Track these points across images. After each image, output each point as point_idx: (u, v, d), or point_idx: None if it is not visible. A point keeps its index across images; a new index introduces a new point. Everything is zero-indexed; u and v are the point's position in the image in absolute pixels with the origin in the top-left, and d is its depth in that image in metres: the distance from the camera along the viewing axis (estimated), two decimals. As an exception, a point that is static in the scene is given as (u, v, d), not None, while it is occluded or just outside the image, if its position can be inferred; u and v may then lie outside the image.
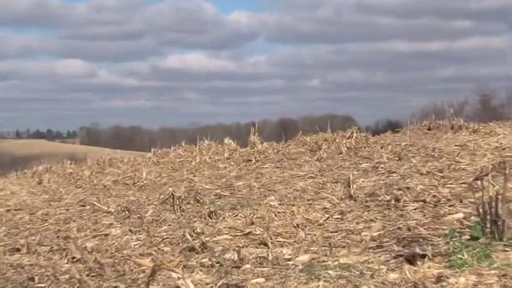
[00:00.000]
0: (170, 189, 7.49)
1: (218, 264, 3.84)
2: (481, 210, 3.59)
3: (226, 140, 13.50)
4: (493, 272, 2.97)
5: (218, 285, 3.31)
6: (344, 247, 4.13)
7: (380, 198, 5.97)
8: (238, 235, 4.85)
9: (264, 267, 3.70)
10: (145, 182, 9.94)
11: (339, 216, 5.60)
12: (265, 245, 4.38)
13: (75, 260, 4.32)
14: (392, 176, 7.40)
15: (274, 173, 9.35)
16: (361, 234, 4.47)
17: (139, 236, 5.21)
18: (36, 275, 3.93)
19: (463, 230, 3.88)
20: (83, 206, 7.39)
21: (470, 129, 10.76)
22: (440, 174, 6.02)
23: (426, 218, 4.50)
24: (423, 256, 3.29)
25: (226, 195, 7.64)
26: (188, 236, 4.71)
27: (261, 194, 7.42)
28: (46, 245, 5.00)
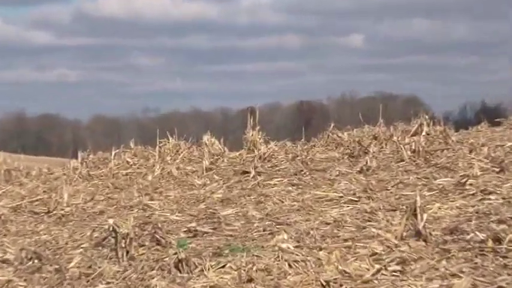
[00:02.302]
0: (110, 221, 7.45)
1: None
2: None
3: (207, 138, 13.58)
4: None
5: None
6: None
7: (468, 238, 5.99)
8: (226, 302, 5.37)
9: None
10: (67, 209, 9.97)
11: (398, 268, 5.62)
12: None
13: None
14: (490, 199, 7.46)
15: (288, 195, 9.47)
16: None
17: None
18: None
19: None
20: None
21: None
22: None
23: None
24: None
25: (207, 232, 7.71)
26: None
27: (265, 230, 7.48)
28: None
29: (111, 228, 7.35)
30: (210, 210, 8.89)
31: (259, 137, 12.77)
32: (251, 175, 10.96)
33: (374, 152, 11.61)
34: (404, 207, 7.45)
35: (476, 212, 6.92)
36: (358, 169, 10.65)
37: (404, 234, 6.50)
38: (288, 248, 6.37)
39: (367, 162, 10.70)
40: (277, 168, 11.45)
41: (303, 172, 10.93)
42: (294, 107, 78.44)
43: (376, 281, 5.36)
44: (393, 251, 6.06)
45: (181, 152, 13.49)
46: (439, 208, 7.54)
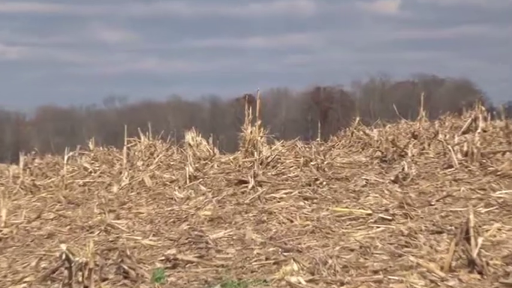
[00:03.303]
0: (63, 247, 7.44)
1: None
2: None
3: (191, 136, 13.77)
4: None
5: None
6: None
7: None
8: None
9: None
10: (6, 230, 10.04)
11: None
12: None
13: None
14: None
15: (299, 212, 9.59)
16: None
17: None
18: None
19: None
20: None
21: None
22: None
23: None
24: None
25: (191, 262, 7.79)
26: None
27: (268, 259, 7.60)
28: None
29: (63, 257, 7.34)
30: (196, 232, 8.86)
31: (261, 134, 12.78)
32: (249, 186, 10.98)
33: (413, 155, 11.63)
34: (453, 228, 7.48)
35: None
36: (392, 178, 10.66)
37: (454, 264, 6.54)
38: (299, 283, 6.40)
39: (403, 169, 10.71)
40: (285, 176, 11.45)
41: (318, 182, 10.94)
42: (307, 95, 78.37)
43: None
44: (439, 286, 6.10)
45: (157, 155, 13.53)
46: (499, 230, 7.57)
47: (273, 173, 11.64)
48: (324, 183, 10.94)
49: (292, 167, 11.89)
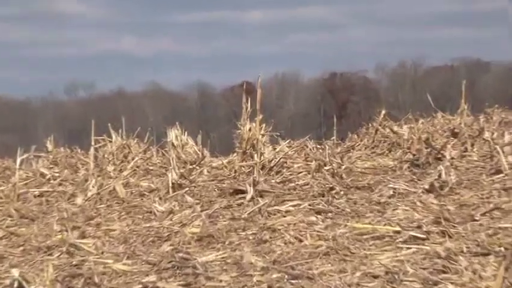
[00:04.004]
0: (15, 273, 7.58)
1: None
2: None
3: (173, 135, 13.93)
4: None
5: None
6: None
7: None
8: None
9: None
10: None
11: None
12: None
13: None
14: None
15: (310, 229, 9.64)
16: None
17: None
18: None
19: None
20: None
21: None
22: None
23: None
24: None
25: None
26: None
27: (271, 287, 7.95)
28: None
29: (15, 285, 7.36)
30: (181, 254, 8.88)
31: (262, 132, 12.83)
32: (248, 196, 11.07)
33: (453, 158, 11.65)
34: (501, 249, 7.53)
35: None
36: (426, 186, 10.71)
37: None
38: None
39: (440, 175, 10.74)
40: (292, 184, 11.52)
41: (334, 191, 11.02)
42: (321, 83, 78.32)
43: None
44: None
45: (132, 158, 13.57)
46: None
47: (278, 181, 11.71)
48: (341, 193, 10.99)
49: (301, 172, 11.95)
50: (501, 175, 10.85)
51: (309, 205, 10.50)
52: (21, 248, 10.15)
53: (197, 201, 11.31)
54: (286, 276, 7.89)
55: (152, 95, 76.64)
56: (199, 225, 10.13)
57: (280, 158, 12.34)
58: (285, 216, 10.17)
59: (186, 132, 13.71)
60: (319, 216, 10.10)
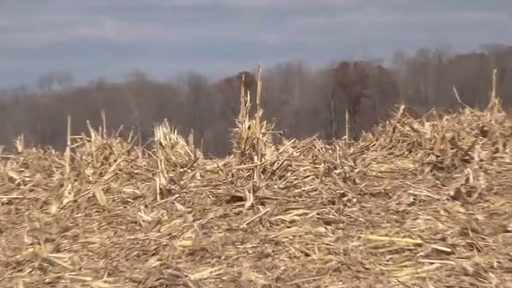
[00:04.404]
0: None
1: None
2: None
3: (161, 133, 13.98)
4: None
5: None
6: None
7: None
8: None
9: None
10: None
11: None
12: None
13: None
14: None
15: (318, 241, 9.64)
16: None
17: None
18: None
19: None
20: None
21: None
22: None
23: None
24: None
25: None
26: None
27: None
28: None
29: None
30: (170, 270, 8.86)
31: (263, 130, 12.83)
32: (247, 204, 11.07)
33: (482, 160, 11.62)
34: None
35: None
36: (451, 193, 10.70)
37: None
38: None
39: (468, 180, 10.72)
40: (298, 191, 11.51)
41: (346, 199, 11.01)
42: (330, 74, 78.33)
43: None
44: None
45: (115, 160, 13.56)
46: None
47: (281, 186, 11.69)
48: (354, 200, 10.97)
49: (308, 177, 11.95)
50: (538, 179, 10.85)
51: (317, 214, 10.50)
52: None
53: (189, 209, 11.30)
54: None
55: (137, 87, 76.53)
56: (191, 237, 10.12)
57: (284, 160, 12.34)
58: (289, 227, 10.16)
59: (176, 131, 13.70)
60: (328, 227, 10.09)
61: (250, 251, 9.46)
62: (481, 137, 12.70)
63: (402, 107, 13.70)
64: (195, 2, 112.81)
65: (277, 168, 12.13)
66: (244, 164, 12.44)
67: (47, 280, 9.07)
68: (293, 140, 13.36)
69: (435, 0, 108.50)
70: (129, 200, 12.25)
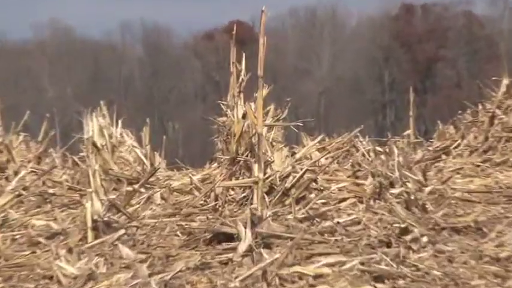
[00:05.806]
0: None
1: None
2: None
3: (95, 126, 13.71)
4: None
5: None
6: None
7: None
8: None
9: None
10: None
11: None
12: None
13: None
14: None
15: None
16: None
17: None
18: None
19: None
20: None
21: None
22: None
23: None
24: None
25: None
26: None
27: None
28: None
29: None
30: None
31: (269, 120, 12.56)
32: (242, 247, 10.86)
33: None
34: None
35: None
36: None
37: None
38: None
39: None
40: (328, 224, 11.37)
41: (410, 237, 10.97)
42: (382, 24, 78.75)
43: None
44: None
45: (15, 172, 13.59)
46: None
47: (300, 216, 11.50)
48: (424, 240, 10.98)
49: (345, 200, 11.78)
50: None
51: (361, 264, 10.43)
52: None
53: (142, 256, 11.20)
54: None
55: (54, 46, 76.45)
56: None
57: (304, 171, 12.13)
58: (314, 286, 10.06)
59: (120, 121, 13.57)
60: (380, 285, 10.08)
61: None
62: None
63: (505, 81, 13.58)
64: None
65: (292, 186, 11.93)
66: (237, 179, 12.27)
67: None
68: (320, 138, 13.23)
69: None
70: (41, 239, 12.20)
